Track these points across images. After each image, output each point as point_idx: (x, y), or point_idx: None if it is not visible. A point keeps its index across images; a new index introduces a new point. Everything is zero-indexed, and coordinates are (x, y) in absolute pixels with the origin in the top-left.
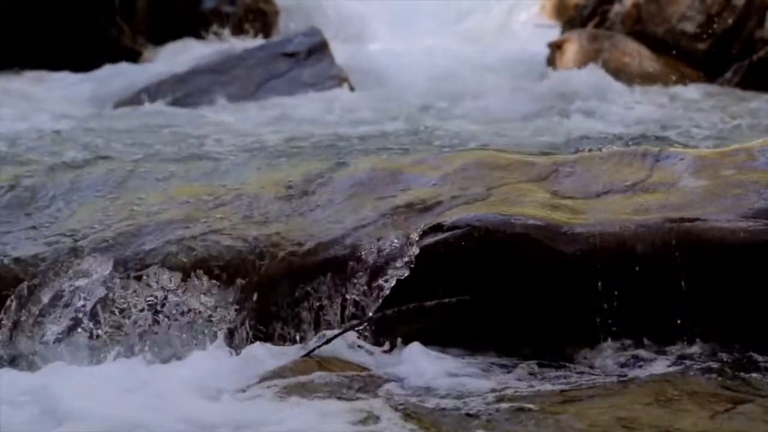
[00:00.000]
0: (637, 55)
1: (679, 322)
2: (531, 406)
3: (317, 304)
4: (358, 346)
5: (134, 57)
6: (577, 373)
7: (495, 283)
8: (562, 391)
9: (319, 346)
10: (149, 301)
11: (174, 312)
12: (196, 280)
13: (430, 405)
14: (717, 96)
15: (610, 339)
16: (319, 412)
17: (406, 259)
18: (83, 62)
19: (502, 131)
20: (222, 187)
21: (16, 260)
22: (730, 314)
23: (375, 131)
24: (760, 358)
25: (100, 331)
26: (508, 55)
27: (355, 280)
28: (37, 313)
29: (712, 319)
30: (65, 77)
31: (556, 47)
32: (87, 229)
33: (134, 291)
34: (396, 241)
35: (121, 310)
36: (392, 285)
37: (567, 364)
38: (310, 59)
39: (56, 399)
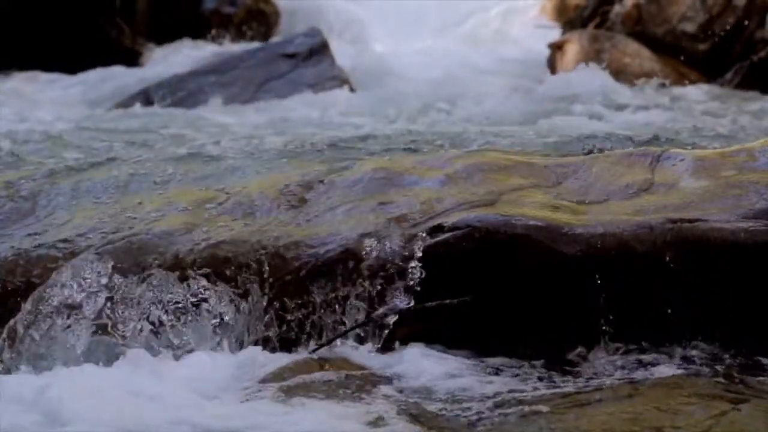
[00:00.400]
0: (637, 55)
1: (679, 322)
2: (534, 408)
3: (318, 305)
4: (360, 346)
5: (134, 58)
6: (580, 375)
7: (496, 283)
8: (565, 394)
9: (320, 347)
10: (150, 302)
11: (175, 314)
12: (197, 282)
13: (431, 407)
14: (717, 96)
15: (611, 340)
16: (320, 413)
17: (407, 260)
18: (83, 63)
19: (503, 132)
20: (222, 189)
21: (16, 261)
22: (730, 314)
23: (375, 132)
24: (760, 359)
25: (100, 333)
26: (509, 56)
27: (357, 282)
28: (37, 313)
29: (712, 320)
30: (65, 78)
31: (556, 48)
32: (86, 232)
33: (135, 293)
34: (397, 242)
35: (122, 312)
36: (393, 286)
37: (569, 365)
38: (311, 60)
39: (56, 401)
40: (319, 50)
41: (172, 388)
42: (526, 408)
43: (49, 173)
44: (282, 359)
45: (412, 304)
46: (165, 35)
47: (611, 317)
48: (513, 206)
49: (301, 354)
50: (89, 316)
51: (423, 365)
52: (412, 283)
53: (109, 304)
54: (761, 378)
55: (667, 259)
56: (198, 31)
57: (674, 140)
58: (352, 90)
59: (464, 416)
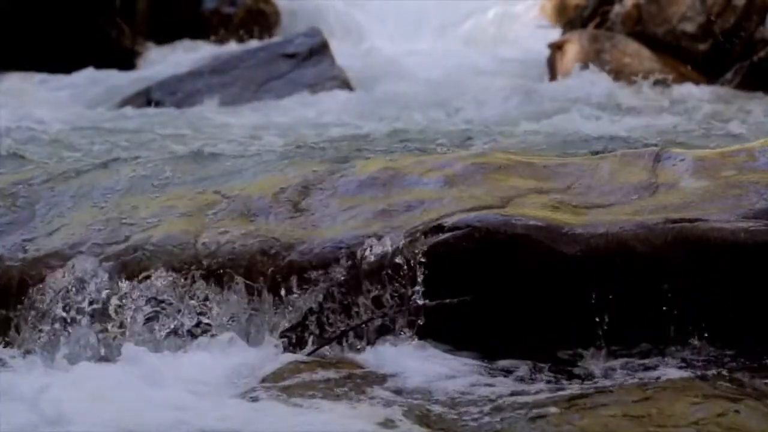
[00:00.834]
0: (637, 55)
1: (680, 322)
2: (535, 409)
3: (318, 304)
4: (360, 346)
5: (134, 58)
6: (580, 376)
7: (496, 283)
8: (566, 395)
9: (320, 347)
10: (150, 303)
11: (175, 313)
12: (197, 281)
13: (432, 407)
14: (717, 96)
15: (611, 340)
16: (320, 413)
17: (407, 260)
18: (83, 63)
19: (503, 133)
20: (223, 190)
21: (15, 261)
22: (730, 314)
23: (375, 132)
24: (760, 358)
25: (100, 333)
26: (509, 56)
27: (357, 282)
28: (36, 314)
29: (712, 320)
30: (65, 78)
31: (556, 48)
32: (86, 232)
33: (135, 293)
34: (397, 242)
35: (122, 313)
36: (394, 286)
37: (569, 366)
38: (311, 60)
39: (56, 401)
40: (319, 50)
41: (172, 388)
42: (528, 409)
43: (49, 174)
44: (282, 359)
45: (413, 303)
46: (165, 35)
47: (611, 317)
48: (513, 206)
49: (302, 354)
50: (89, 317)
51: (423, 365)
52: (412, 283)
53: (108, 305)
54: (761, 378)
55: (668, 259)
56: (198, 31)
57: (674, 140)
58: (351, 90)
59: (466, 417)
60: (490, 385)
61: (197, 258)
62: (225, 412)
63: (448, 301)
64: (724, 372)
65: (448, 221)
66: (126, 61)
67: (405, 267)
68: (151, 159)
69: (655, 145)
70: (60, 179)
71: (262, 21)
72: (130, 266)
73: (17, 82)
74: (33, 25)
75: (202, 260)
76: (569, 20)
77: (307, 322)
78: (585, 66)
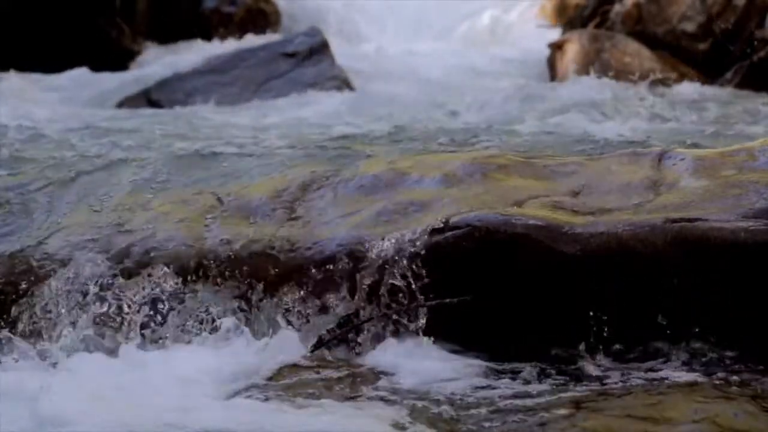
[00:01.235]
0: (637, 55)
1: (680, 322)
2: (537, 410)
3: (319, 304)
4: (360, 346)
5: (134, 58)
6: (580, 377)
7: (496, 283)
8: (566, 396)
9: (320, 347)
10: (149, 301)
11: (174, 312)
12: (196, 280)
13: (432, 408)
14: (717, 96)
15: (611, 340)
16: (319, 413)
17: (407, 260)
18: (83, 63)
19: (503, 133)
20: (223, 190)
21: (14, 262)
22: (730, 314)
23: (375, 132)
24: (761, 359)
25: (100, 333)
26: (509, 56)
27: (358, 281)
28: (35, 313)
29: (712, 320)
30: (65, 78)
31: (556, 48)
32: (85, 233)
33: (134, 293)
34: (398, 241)
35: (122, 313)
36: (394, 285)
37: (569, 366)
38: (311, 60)
39: (55, 402)
40: (319, 50)
41: (173, 388)
42: (530, 411)
43: (48, 174)
44: (283, 359)
45: (413, 303)
46: (165, 35)
47: (610, 318)
48: (513, 205)
49: (302, 353)
50: (89, 317)
51: (424, 365)
52: (412, 282)
53: (108, 305)
54: (761, 378)
55: (668, 259)
56: (198, 31)
57: (674, 140)
58: (352, 90)
59: (468, 418)
60: (493, 387)
61: (197, 258)
62: (226, 412)
63: (448, 300)
64: (725, 373)
65: (448, 221)
66: (126, 60)
67: (405, 267)
68: (152, 159)
69: (653, 145)
70: (59, 179)
71: (262, 20)
72: (130, 266)
73: (17, 81)
74: (33, 25)
75: (203, 260)
76: (569, 20)
77: (307, 321)
78: (585, 66)
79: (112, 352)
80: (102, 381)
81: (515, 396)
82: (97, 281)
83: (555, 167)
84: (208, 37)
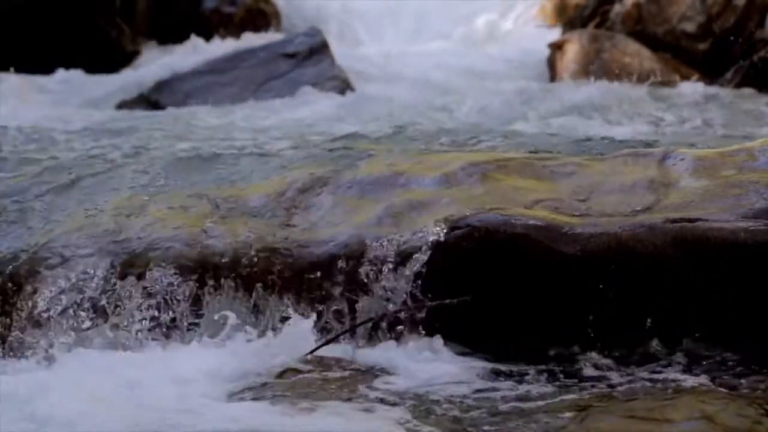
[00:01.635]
0: (637, 55)
1: (680, 322)
2: (538, 411)
3: (320, 304)
4: (359, 346)
5: (134, 58)
6: (580, 378)
7: (496, 283)
8: (567, 398)
9: (320, 346)
10: (150, 303)
11: (174, 312)
12: (197, 280)
13: (434, 409)
14: (717, 96)
15: (611, 340)
16: (320, 412)
17: (408, 260)
18: (83, 63)
19: (503, 133)
20: (223, 190)
21: (12, 262)
22: (730, 314)
23: (376, 133)
24: (760, 358)
25: (99, 333)
26: (509, 56)
27: (359, 282)
28: (34, 314)
29: (712, 320)
30: (65, 78)
31: (556, 48)
32: (84, 233)
33: (134, 293)
34: (398, 242)
35: (122, 313)
36: (394, 286)
37: (569, 366)
38: (311, 60)
39: (53, 402)
40: (319, 50)
41: (173, 389)
42: (532, 413)
43: (48, 175)
44: (283, 359)
45: (414, 304)
46: (165, 35)
47: (610, 318)
48: (513, 205)
49: (302, 354)
50: (88, 318)
51: (424, 365)
52: (413, 283)
53: (108, 306)
54: (760, 377)
55: (667, 258)
56: (198, 31)
57: (674, 140)
58: (352, 90)
59: (469, 420)
60: (494, 389)
61: (198, 259)
62: (226, 413)
63: (448, 301)
64: (727, 375)
65: (448, 221)
66: (126, 61)
67: (405, 267)
68: (151, 160)
69: (654, 145)
70: (59, 180)
71: (262, 21)
72: (130, 267)
73: (16, 82)
74: (32, 25)
75: (203, 261)
76: (569, 20)
77: (308, 321)
78: (585, 66)
79: (113, 353)
80: (102, 381)
81: (518, 398)
82: (96, 282)
83: (555, 168)
84: (208, 37)
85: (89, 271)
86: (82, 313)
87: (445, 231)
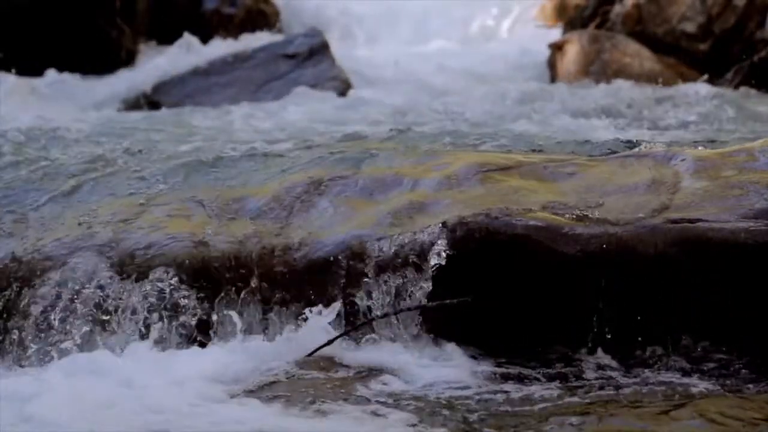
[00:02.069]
0: (637, 55)
1: (680, 322)
2: (541, 411)
3: (321, 306)
4: (359, 346)
5: (134, 58)
6: (580, 378)
7: (497, 284)
8: (568, 400)
9: (321, 347)
10: (149, 302)
11: (175, 313)
12: (197, 281)
13: (432, 409)
14: (717, 96)
15: (611, 340)
16: (319, 413)
17: (409, 260)
18: (83, 64)
19: (504, 133)
20: (223, 191)
21: (10, 263)
22: (730, 314)
23: (376, 133)
24: (760, 359)
25: (98, 334)
26: (509, 56)
27: (358, 283)
28: (31, 315)
29: (712, 320)
30: (65, 79)
31: (556, 48)
32: (83, 234)
33: (133, 293)
34: (399, 243)
35: (121, 312)
36: (396, 286)
37: (569, 366)
38: (311, 60)
39: (48, 405)
40: (319, 50)
41: (173, 390)
42: (535, 415)
43: (47, 176)
44: (284, 360)
45: (414, 304)
46: (165, 36)
47: (610, 318)
48: (513, 205)
49: (303, 355)
50: (87, 319)
51: (426, 366)
52: (413, 283)
53: (108, 307)
54: (759, 377)
55: (668, 259)
56: (198, 32)
57: (674, 140)
58: (352, 90)
59: (469, 419)
60: (496, 391)
61: (198, 260)
62: (228, 415)
63: (448, 302)
64: (727, 373)
65: (449, 222)
66: (126, 61)
67: (406, 268)
68: (151, 161)
69: (654, 146)
70: (59, 181)
71: (262, 21)
72: (131, 268)
73: (16, 83)
74: (32, 25)
75: (204, 262)
76: (569, 20)
77: (310, 322)
78: (585, 66)
79: (113, 354)
80: (102, 383)
81: (522, 401)
82: (96, 283)
83: (556, 169)
84: (208, 38)
85: (89, 274)
86: (82, 316)
87: (446, 232)
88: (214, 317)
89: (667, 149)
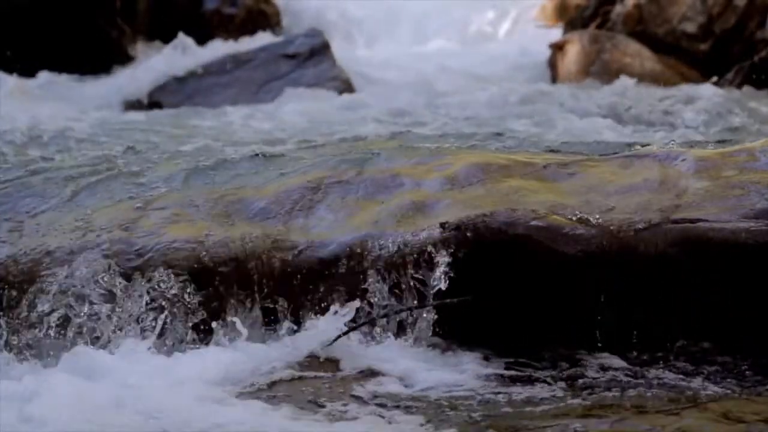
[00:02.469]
0: (638, 55)
1: (680, 322)
2: (542, 411)
3: (323, 305)
4: (359, 346)
5: (134, 59)
6: (581, 378)
7: (497, 284)
8: (570, 401)
9: (322, 348)
10: (151, 303)
11: (176, 313)
12: (199, 281)
13: (437, 409)
14: (718, 96)
15: (611, 340)
16: (323, 414)
17: (410, 260)
18: (83, 64)
19: (504, 133)
20: (223, 192)
21: (9, 263)
22: (730, 314)
23: (376, 133)
24: (760, 359)
25: (97, 334)
26: (509, 56)
27: (358, 283)
28: (30, 316)
29: (712, 319)
30: (65, 79)
31: (557, 48)
32: (83, 235)
33: (135, 293)
34: (400, 243)
35: (122, 312)
36: (395, 286)
37: (569, 367)
38: (312, 61)
39: (45, 406)
40: (320, 51)
41: (173, 391)
42: (537, 417)
43: (48, 177)
44: (285, 361)
45: (414, 304)
46: (166, 36)
47: (611, 318)
48: (514, 205)
49: (304, 355)
50: (88, 319)
51: (427, 366)
52: (414, 283)
53: (109, 306)
54: (762, 378)
55: (668, 259)
56: (199, 32)
57: (675, 140)
58: (352, 91)
59: (472, 420)
60: (497, 392)
61: (200, 260)
62: (229, 416)
63: (448, 301)
64: (723, 371)
65: (449, 222)
66: (126, 61)
67: (406, 268)
68: (152, 160)
69: (656, 146)
70: (58, 181)
71: (263, 22)
72: (132, 268)
73: (16, 83)
74: (32, 26)
75: (206, 262)
76: (570, 20)
77: (311, 321)
78: (586, 66)
79: (113, 355)
80: (102, 384)
81: (525, 402)
82: (98, 283)
83: (557, 169)
84: (208, 38)
85: (89, 274)
86: (83, 315)
87: (446, 232)
88: (215, 318)
89: (667, 149)
